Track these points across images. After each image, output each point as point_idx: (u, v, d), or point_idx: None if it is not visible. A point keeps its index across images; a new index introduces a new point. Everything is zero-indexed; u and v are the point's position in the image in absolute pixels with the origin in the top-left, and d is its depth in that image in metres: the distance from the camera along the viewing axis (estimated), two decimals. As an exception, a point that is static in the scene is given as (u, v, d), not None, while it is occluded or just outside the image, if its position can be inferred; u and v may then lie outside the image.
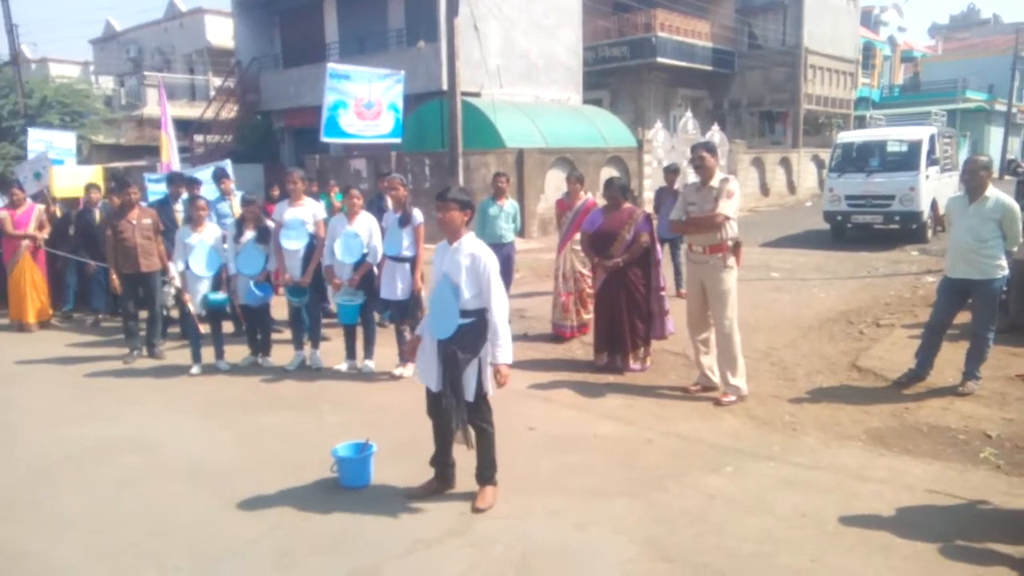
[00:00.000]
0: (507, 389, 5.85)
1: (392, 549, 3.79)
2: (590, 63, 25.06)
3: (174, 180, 8.71)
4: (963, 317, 6.11)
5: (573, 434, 5.28)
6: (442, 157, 14.71)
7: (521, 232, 9.41)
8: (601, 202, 7.13)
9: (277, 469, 4.76)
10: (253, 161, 21.03)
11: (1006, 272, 5.79)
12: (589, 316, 7.80)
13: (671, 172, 10.15)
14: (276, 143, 23.50)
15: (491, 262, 4.10)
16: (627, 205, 6.71)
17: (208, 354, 7.16)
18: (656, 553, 3.67)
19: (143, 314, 7.81)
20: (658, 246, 6.75)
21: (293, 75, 22.25)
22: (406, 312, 6.87)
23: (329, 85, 10.20)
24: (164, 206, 8.42)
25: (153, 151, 20.56)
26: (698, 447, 5.00)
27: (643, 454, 4.91)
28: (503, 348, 4.09)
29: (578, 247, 7.66)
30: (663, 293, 6.67)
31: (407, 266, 6.70)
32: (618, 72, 27.56)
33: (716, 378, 6.01)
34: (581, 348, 7.51)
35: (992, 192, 5.64)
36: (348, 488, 4.46)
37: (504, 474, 4.37)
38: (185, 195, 8.55)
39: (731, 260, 5.74)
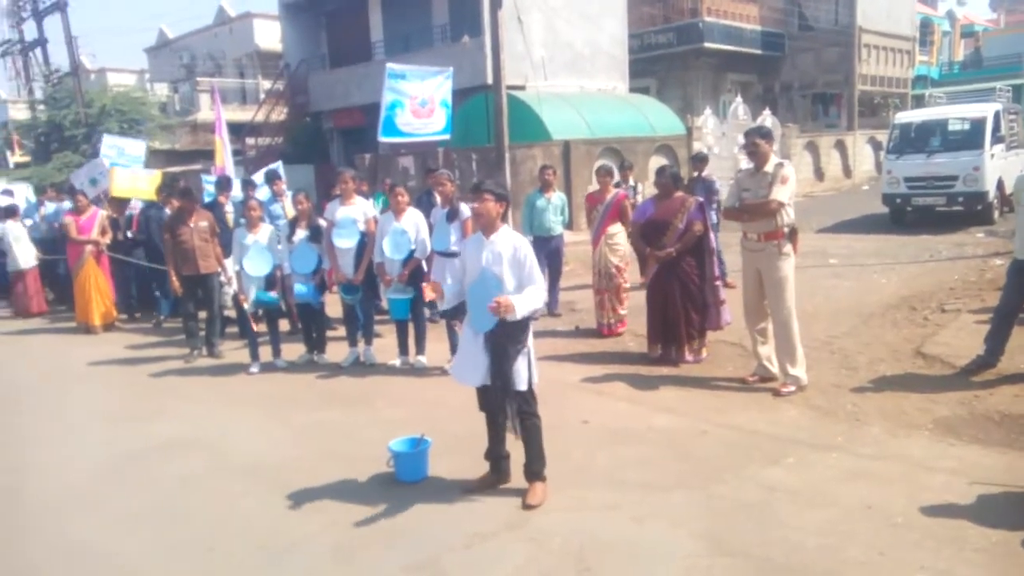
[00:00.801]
0: (559, 382, 5.86)
1: (450, 542, 3.81)
2: (636, 51, 24.74)
3: (222, 184, 8.91)
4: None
5: (628, 427, 5.22)
6: (488, 152, 14.69)
7: (569, 224, 9.35)
8: (650, 191, 7.04)
9: (334, 464, 4.83)
10: (304, 162, 21.36)
11: (1081, 252, 5.52)
12: (625, 312, 7.72)
13: (699, 161, 10.00)
14: (326, 143, 23.83)
15: (530, 252, 4.11)
16: (679, 193, 6.61)
17: (266, 353, 7.31)
18: (716, 547, 3.61)
19: (202, 315, 8.00)
20: (711, 234, 6.62)
21: (340, 75, 22.51)
22: (457, 307, 6.88)
23: (387, 85, 10.25)
24: (213, 208, 8.60)
25: (207, 155, 21.06)
26: (757, 439, 4.89)
27: (700, 446, 4.83)
28: (523, 297, 3.99)
29: (612, 241, 7.58)
30: (718, 283, 6.54)
31: (456, 261, 6.69)
32: (665, 59, 27.15)
33: (775, 368, 5.87)
34: (634, 340, 7.43)
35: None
36: (404, 482, 4.49)
37: (560, 468, 4.36)
38: (233, 197, 8.76)
39: (787, 247, 5.60)
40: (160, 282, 9.42)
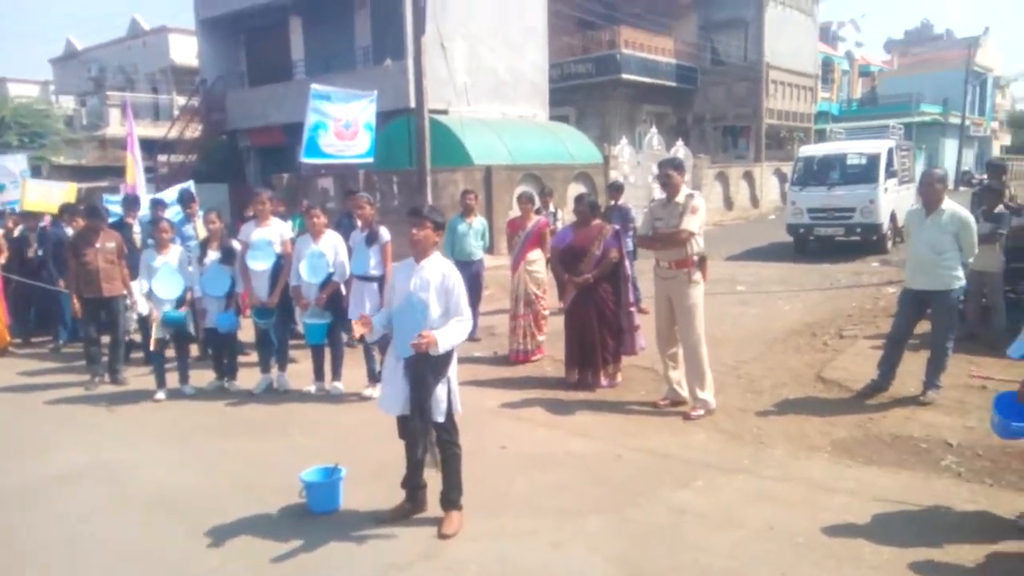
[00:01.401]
0: (478, 407, 5.86)
1: (364, 574, 3.75)
2: (556, 80, 25.27)
3: (129, 203, 8.60)
4: (923, 327, 6.25)
5: (545, 452, 5.28)
6: (410, 175, 14.69)
7: (490, 249, 9.43)
8: (569, 218, 7.19)
9: (244, 495, 4.69)
10: (218, 181, 20.82)
11: (963, 282, 5.93)
12: (543, 338, 7.82)
13: (615, 190, 10.33)
14: (242, 162, 23.30)
15: (459, 281, 4.11)
16: (596, 221, 6.77)
17: (172, 379, 7.05)
18: (630, 571, 3.69)
19: (105, 339, 7.66)
20: (628, 262, 6.80)
21: (259, 94, 22.11)
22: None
23: (311, 106, 10.16)
24: (120, 228, 8.26)
25: (116, 172, 20.25)
26: (668, 462, 5.03)
27: (615, 470, 4.93)
28: (447, 331, 3.97)
29: (531, 268, 7.69)
30: (632, 309, 6.71)
31: (375, 285, 6.67)
32: (584, 88, 27.83)
33: (685, 392, 6.06)
34: (551, 365, 7.53)
35: (948, 205, 5.79)
36: (317, 513, 4.41)
37: (477, 494, 4.36)
38: (142, 217, 8.47)
39: (697, 275, 5.81)
40: (60, 305, 8.97)
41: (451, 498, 4.20)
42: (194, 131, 23.07)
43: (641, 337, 6.77)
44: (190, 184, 10.67)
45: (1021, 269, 8.44)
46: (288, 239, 7.09)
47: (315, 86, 10.71)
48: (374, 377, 6.77)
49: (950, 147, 43.34)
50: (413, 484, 4.34)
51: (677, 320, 5.93)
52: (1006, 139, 61.42)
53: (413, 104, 15.16)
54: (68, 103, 28.75)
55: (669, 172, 5.83)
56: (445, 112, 18.29)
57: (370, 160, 10.88)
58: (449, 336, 3.98)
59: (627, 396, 6.50)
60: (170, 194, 10.35)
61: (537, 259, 7.76)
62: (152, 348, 6.94)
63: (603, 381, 6.70)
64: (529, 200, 7.97)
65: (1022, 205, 9.23)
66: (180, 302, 6.94)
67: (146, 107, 28.13)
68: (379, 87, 13.74)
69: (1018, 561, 3.65)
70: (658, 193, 6.12)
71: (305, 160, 10.33)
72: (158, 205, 8.94)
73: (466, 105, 18.80)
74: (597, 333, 6.60)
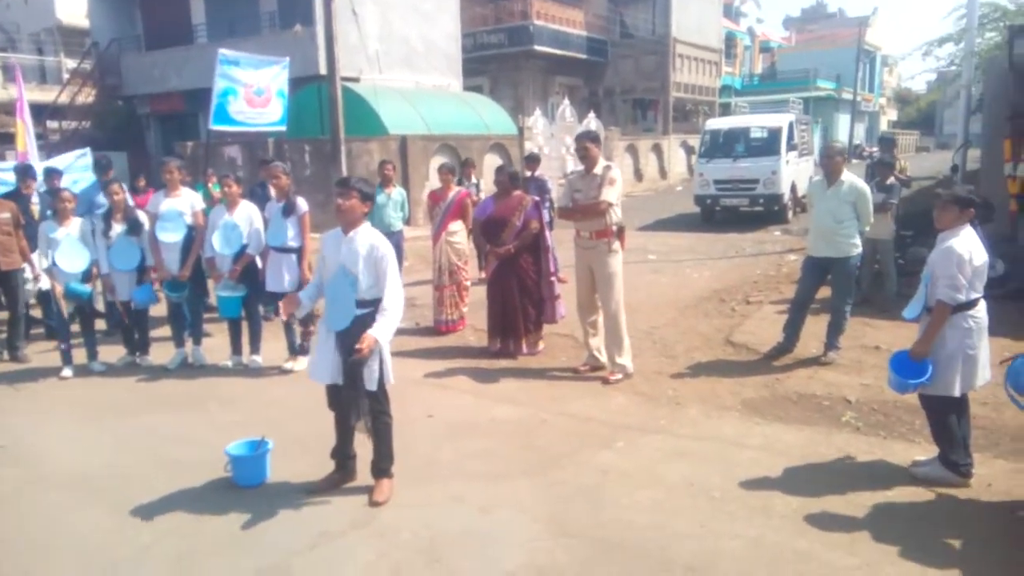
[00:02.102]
0: (403, 378, 5.87)
1: (296, 545, 3.76)
2: (469, 50, 25.10)
3: (22, 173, 8.08)
4: (822, 292, 6.65)
5: (471, 419, 5.38)
6: (322, 144, 14.37)
7: (407, 220, 9.37)
8: (490, 189, 7.23)
9: (166, 472, 4.59)
10: (115, 149, 19.72)
11: (860, 250, 6.33)
12: (467, 308, 7.89)
13: (532, 161, 10.45)
14: (141, 130, 22.16)
15: (389, 251, 4.11)
16: (517, 192, 6.84)
17: (79, 355, 6.76)
18: (558, 530, 3.83)
19: (2, 315, 7.25)
20: (548, 232, 6.91)
21: (158, 58, 21.01)
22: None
23: (219, 71, 9.71)
24: (17, 198, 7.76)
25: (1, 138, 18.92)
26: (590, 425, 5.21)
27: (539, 435, 5.07)
28: (384, 324, 3.98)
29: (453, 239, 7.72)
30: (553, 278, 6.85)
31: (293, 257, 6.55)
32: (497, 59, 27.75)
33: (604, 358, 6.26)
34: (474, 335, 7.61)
35: (847, 176, 6.16)
36: (243, 487, 4.36)
37: (405, 463, 4.41)
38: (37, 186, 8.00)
39: (616, 244, 5.99)
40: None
41: (382, 467, 4.24)
42: (87, 96, 21.74)
43: (561, 306, 6.92)
44: (87, 151, 10.10)
45: (909, 237, 9.07)
46: (200, 210, 6.86)
47: (223, 51, 10.26)
48: (294, 350, 6.69)
49: (843, 121, 45.59)
50: (343, 454, 4.35)
51: (597, 288, 6.10)
52: (893, 114, 65.06)
53: (323, 71, 14.80)
54: (-62, 63, 26.50)
55: (587, 144, 5.95)
56: (357, 80, 17.92)
57: (283, 128, 10.55)
58: (387, 327, 3.98)
59: (549, 363, 6.66)
60: (62, 161, 9.78)
61: (458, 230, 7.79)
62: (63, 323, 6.63)
63: (525, 349, 6.83)
64: (449, 171, 7.96)
65: (911, 177, 9.88)
66: (87, 276, 6.63)
67: (32, 69, 26.17)
68: (287, 53, 13.29)
69: (907, 505, 3.99)
70: (572, 165, 6.23)
71: (214, 127, 9.92)
72: (52, 174, 8.45)
73: (378, 73, 18.47)
74: (518, 302, 6.71)
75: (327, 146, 13.56)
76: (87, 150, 10.47)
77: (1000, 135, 8.98)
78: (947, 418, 4.18)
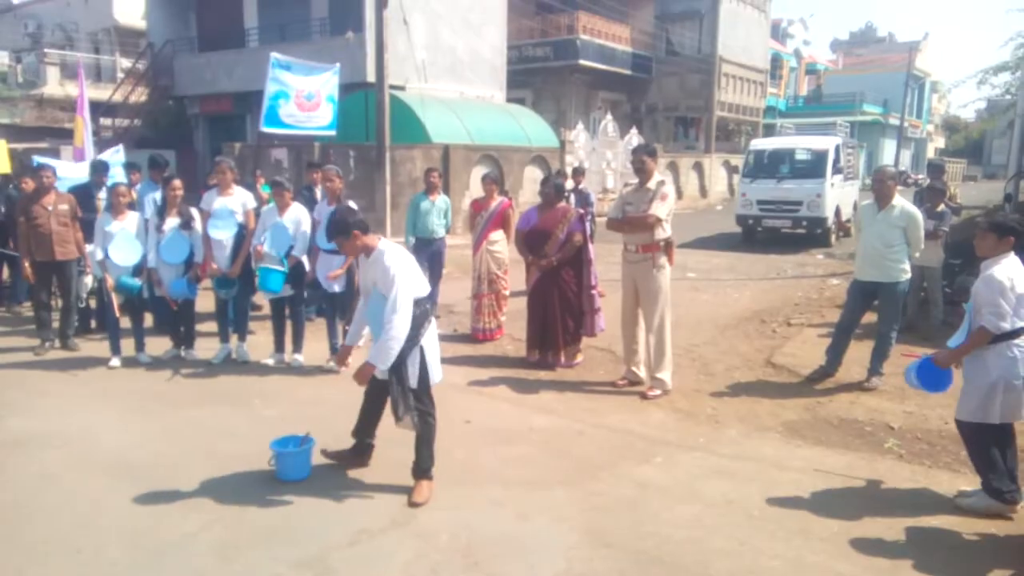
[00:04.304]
0: (445, 384, 5.91)
1: (336, 540, 3.81)
2: (514, 62, 25.27)
3: (97, 168, 8.30)
4: (867, 317, 6.55)
5: (510, 427, 5.40)
6: (367, 150, 14.56)
7: (449, 228, 9.44)
8: (531, 202, 7.26)
9: (210, 463, 4.68)
10: (165, 147, 20.22)
11: (909, 275, 6.24)
12: (504, 318, 7.92)
13: (578, 173, 10.56)
14: (189, 129, 22.68)
15: (401, 272, 4.07)
16: (561, 204, 6.87)
17: (128, 346, 6.93)
18: (596, 540, 3.83)
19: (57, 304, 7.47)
20: (590, 245, 6.93)
21: (210, 60, 21.53)
22: (344, 305, 6.83)
23: (271, 75, 9.90)
24: (85, 193, 7.96)
25: (55, 133, 19.54)
26: (629, 438, 5.21)
27: (577, 445, 5.08)
28: (379, 347, 4.01)
29: (494, 248, 7.75)
30: (594, 292, 6.85)
31: (343, 258, 6.64)
32: (541, 72, 27.90)
33: (642, 373, 6.25)
34: (512, 344, 7.64)
35: (899, 201, 6.08)
36: (286, 482, 4.44)
37: (443, 466, 4.45)
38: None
39: (663, 259, 5.98)
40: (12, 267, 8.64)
41: (423, 467, 4.29)
42: (140, 95, 22.32)
43: (601, 319, 6.92)
44: (119, 148, 10.20)
45: (957, 265, 8.90)
46: (251, 209, 7.00)
47: (275, 55, 10.47)
48: (336, 350, 6.78)
49: (889, 147, 44.91)
50: (363, 434, 4.51)
51: (642, 303, 6.09)
52: (940, 142, 63.90)
53: (371, 78, 15.04)
54: (2, 59, 27.41)
55: (644, 158, 5.97)
56: (403, 88, 18.16)
57: (332, 133, 10.68)
58: (382, 350, 4.01)
59: (587, 376, 6.66)
60: (112, 156, 9.95)
61: (499, 239, 7.83)
62: (116, 313, 6.81)
63: (563, 361, 6.84)
64: (494, 181, 8.02)
65: (960, 204, 9.71)
66: (137, 269, 6.81)
67: (88, 68, 26.97)
68: (336, 59, 13.54)
69: (951, 535, 3.92)
70: (612, 180, 6.25)
71: (265, 129, 10.09)
72: (100, 168, 8.62)
73: (424, 82, 18.69)
74: (559, 314, 6.72)
75: (372, 152, 13.74)
76: (120, 147, 10.58)
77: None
78: (988, 447, 4.11)
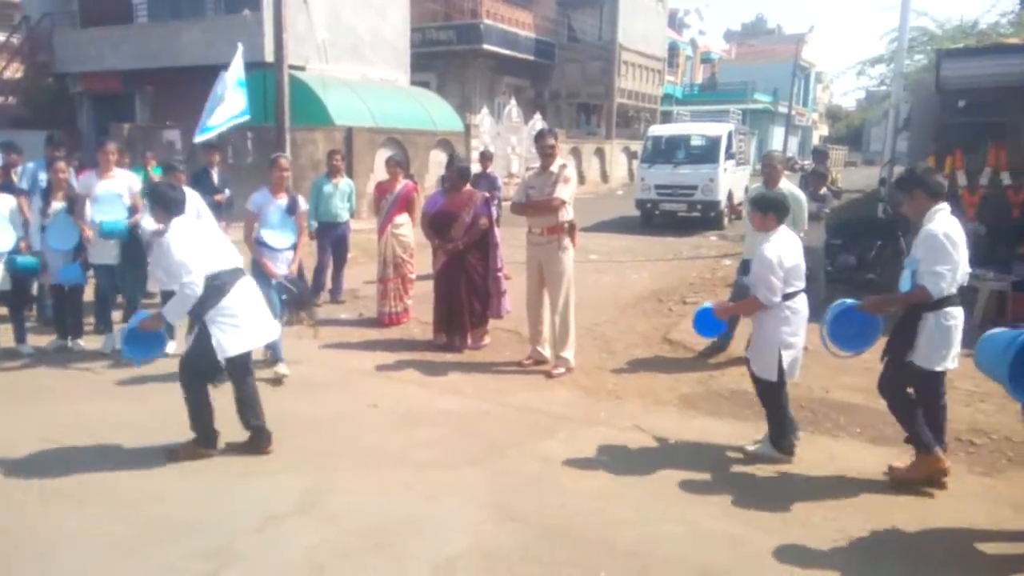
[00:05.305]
0: (348, 368, 5.90)
1: (241, 527, 3.77)
2: (417, 45, 24.99)
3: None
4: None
5: (417, 410, 5.43)
6: (266, 132, 14.10)
7: (354, 212, 9.27)
8: (433, 186, 7.27)
9: (105, 456, 4.51)
10: (44, 127, 18.94)
11: (794, 255, 6.60)
12: (411, 302, 7.90)
13: (485, 158, 10.58)
14: (73, 109, 21.33)
15: (171, 238, 4.32)
16: (467, 188, 6.91)
17: (6, 337, 6.54)
18: (503, 516, 3.93)
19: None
20: (496, 229, 7.00)
21: (94, 36, 20.22)
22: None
23: (213, 94, 8.98)
24: None
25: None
26: (534, 416, 5.34)
27: (484, 425, 5.17)
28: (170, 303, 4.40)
29: (399, 232, 7.70)
30: (500, 274, 6.94)
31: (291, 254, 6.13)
32: (445, 56, 27.72)
33: (547, 353, 6.40)
34: (419, 328, 7.64)
35: (784, 184, 6.44)
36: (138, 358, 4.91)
37: (351, 451, 4.50)
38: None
39: (567, 241, 6.12)
40: None
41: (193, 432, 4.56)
42: (15, 72, 20.83)
43: (507, 301, 7.03)
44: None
45: (838, 245, 9.50)
46: (137, 191, 6.72)
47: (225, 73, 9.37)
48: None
49: (778, 134, 47.04)
50: (245, 421, 4.62)
51: (547, 284, 6.22)
52: (824, 129, 67.42)
53: (269, 58, 14.55)
54: None
55: (551, 142, 6.08)
56: (303, 69, 17.67)
57: (247, 118, 9.79)
58: (172, 304, 4.38)
59: (494, 357, 6.76)
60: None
61: (404, 223, 7.79)
62: None
63: (470, 343, 6.91)
64: (398, 164, 7.96)
65: (842, 188, 10.34)
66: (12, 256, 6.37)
67: (-47, 41, 24.98)
68: (231, 38, 13.04)
69: (832, 491, 4.22)
70: (517, 164, 6.34)
71: (197, 140, 9.24)
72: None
73: (325, 63, 18.26)
74: (465, 297, 6.78)
75: (271, 134, 13.34)
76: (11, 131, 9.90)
77: (925, 152, 9.50)
78: (778, 401, 4.60)
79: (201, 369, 4.47)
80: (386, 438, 4.93)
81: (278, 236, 6.05)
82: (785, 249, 4.47)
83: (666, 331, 7.63)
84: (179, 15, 18.88)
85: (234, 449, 4.58)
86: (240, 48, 9.51)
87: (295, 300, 5.95)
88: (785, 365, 4.46)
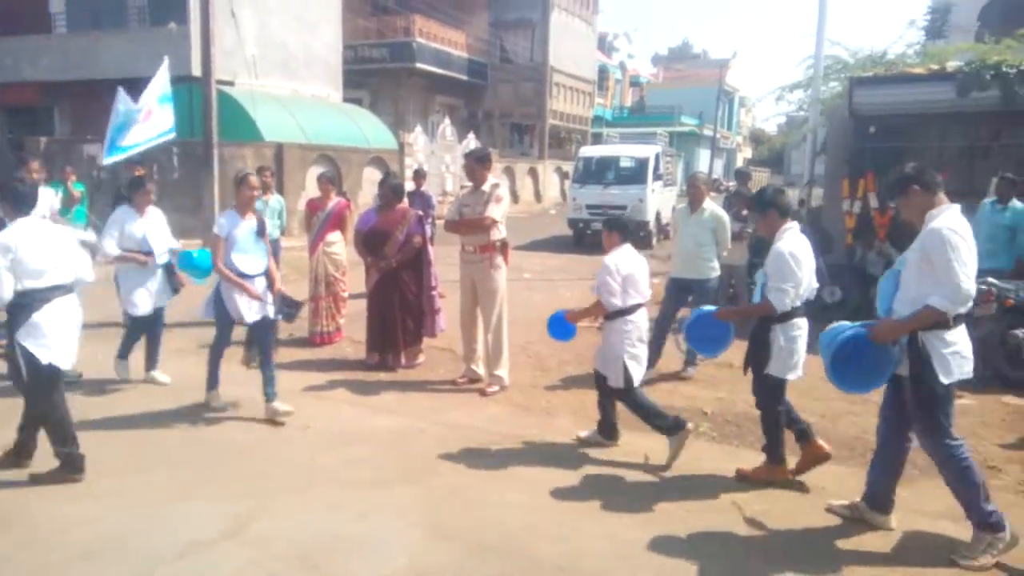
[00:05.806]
0: (280, 389, 5.79)
1: (163, 553, 3.66)
2: (350, 62, 24.88)
3: None
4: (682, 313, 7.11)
5: (350, 429, 5.39)
6: (193, 147, 13.80)
7: (284, 230, 9.15)
8: (370, 203, 7.26)
9: (15, 484, 4.32)
10: (-49, 139, 18.14)
11: (718, 272, 6.86)
12: (343, 320, 7.84)
13: (418, 176, 10.64)
14: (-17, 121, 20.42)
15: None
16: (401, 206, 6.92)
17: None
18: (436, 533, 3.93)
19: None
20: (430, 247, 7.03)
21: (9, 45, 19.41)
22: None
23: (115, 108, 8.54)
24: None
25: None
26: (468, 433, 5.36)
27: (418, 443, 5.16)
28: None
29: (331, 250, 7.64)
30: (434, 293, 6.96)
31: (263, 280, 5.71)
32: (378, 73, 27.66)
33: (481, 371, 6.44)
34: (352, 347, 7.58)
35: (709, 205, 6.69)
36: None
37: (280, 473, 4.43)
38: None
39: (499, 259, 6.19)
40: None
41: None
42: (-81, 80, 19.80)
43: (441, 319, 7.04)
44: None
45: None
46: (56, 209, 6.50)
47: (122, 91, 8.95)
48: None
49: (703, 156, 48.54)
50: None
51: (480, 302, 6.27)
52: (748, 152, 69.81)
53: (196, 72, 14.28)
54: None
55: (472, 165, 6.17)
56: (231, 83, 17.36)
57: (172, 136, 9.36)
58: None
59: (428, 375, 6.76)
60: None
61: (336, 240, 7.74)
62: None
63: (404, 361, 6.89)
64: (329, 181, 7.91)
65: (763, 210, 10.69)
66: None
67: None
68: (158, 52, 12.73)
69: (739, 505, 4.38)
70: (451, 183, 6.42)
71: (106, 162, 8.83)
72: None
73: (254, 79, 17.96)
74: (399, 316, 6.77)
75: (198, 149, 13.06)
76: None
77: (840, 175, 9.98)
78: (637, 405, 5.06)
79: (41, 383, 4.36)
80: (318, 459, 4.87)
81: (251, 260, 5.56)
82: (623, 260, 4.97)
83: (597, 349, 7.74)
84: (100, 26, 18.34)
85: (39, 480, 4.37)
86: (166, 61, 9.30)
87: (290, 317, 6.12)
88: (632, 373, 4.89)
